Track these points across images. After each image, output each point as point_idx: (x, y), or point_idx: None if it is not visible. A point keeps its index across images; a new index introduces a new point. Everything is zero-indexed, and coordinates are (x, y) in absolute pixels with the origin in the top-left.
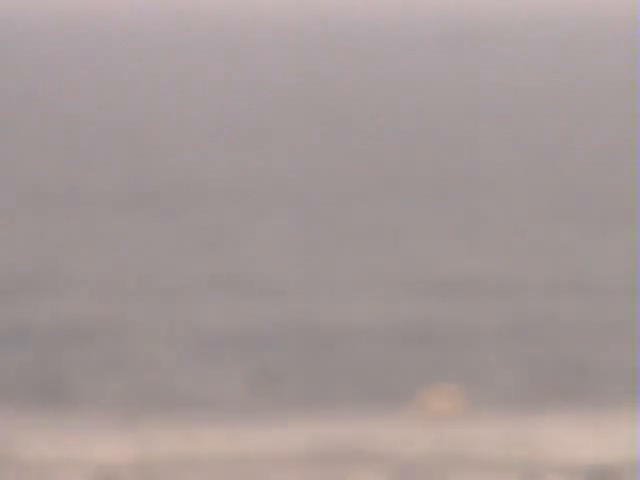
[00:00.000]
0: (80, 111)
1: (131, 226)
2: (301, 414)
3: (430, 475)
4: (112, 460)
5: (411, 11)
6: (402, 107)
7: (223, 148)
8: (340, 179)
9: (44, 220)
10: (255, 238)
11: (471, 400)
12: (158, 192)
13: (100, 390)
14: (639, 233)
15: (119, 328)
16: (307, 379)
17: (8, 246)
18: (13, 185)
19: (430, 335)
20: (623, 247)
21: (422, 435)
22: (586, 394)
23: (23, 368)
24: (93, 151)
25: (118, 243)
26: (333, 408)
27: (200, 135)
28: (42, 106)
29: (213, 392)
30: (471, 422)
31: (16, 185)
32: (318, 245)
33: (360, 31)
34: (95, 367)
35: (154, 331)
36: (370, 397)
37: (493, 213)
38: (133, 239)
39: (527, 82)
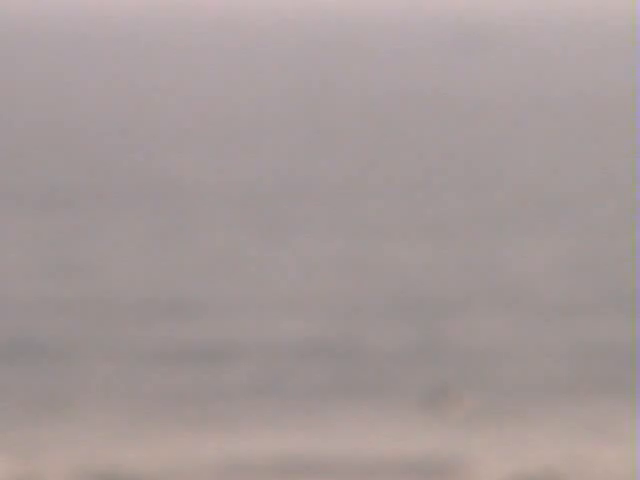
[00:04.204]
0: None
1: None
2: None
3: None
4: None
5: (413, 12)
6: (401, 108)
7: (217, 149)
8: (330, 181)
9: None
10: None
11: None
12: (149, 193)
13: (97, 394)
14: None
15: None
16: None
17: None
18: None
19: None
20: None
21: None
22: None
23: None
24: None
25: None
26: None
27: (192, 136)
28: (37, 105)
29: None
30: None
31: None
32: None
33: (361, 32)
34: (92, 374)
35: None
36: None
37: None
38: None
39: (528, 85)
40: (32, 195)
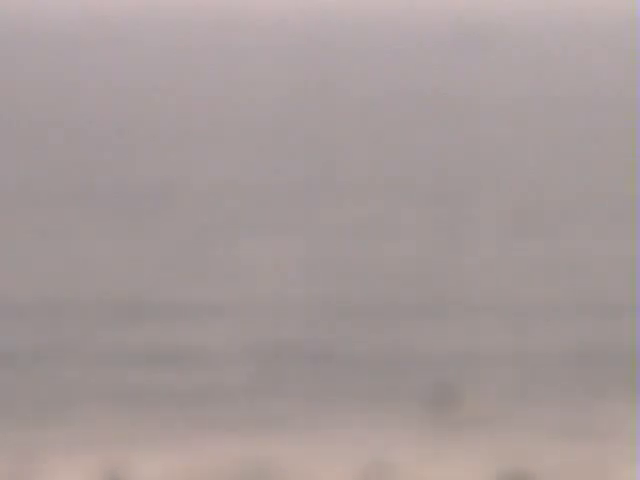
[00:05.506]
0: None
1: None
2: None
3: None
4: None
5: (413, 12)
6: (401, 108)
7: (217, 149)
8: (330, 181)
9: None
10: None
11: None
12: (149, 193)
13: (97, 394)
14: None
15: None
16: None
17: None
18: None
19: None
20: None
21: None
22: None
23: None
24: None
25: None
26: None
27: (192, 136)
28: (37, 105)
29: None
30: None
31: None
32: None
33: (361, 32)
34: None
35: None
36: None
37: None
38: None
39: (528, 85)
40: (32, 195)
